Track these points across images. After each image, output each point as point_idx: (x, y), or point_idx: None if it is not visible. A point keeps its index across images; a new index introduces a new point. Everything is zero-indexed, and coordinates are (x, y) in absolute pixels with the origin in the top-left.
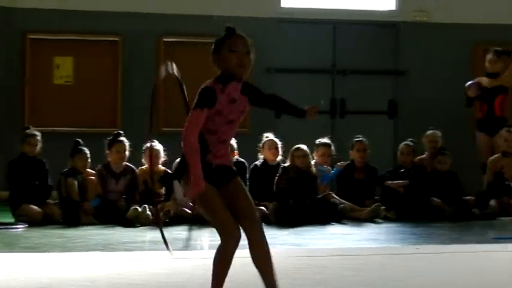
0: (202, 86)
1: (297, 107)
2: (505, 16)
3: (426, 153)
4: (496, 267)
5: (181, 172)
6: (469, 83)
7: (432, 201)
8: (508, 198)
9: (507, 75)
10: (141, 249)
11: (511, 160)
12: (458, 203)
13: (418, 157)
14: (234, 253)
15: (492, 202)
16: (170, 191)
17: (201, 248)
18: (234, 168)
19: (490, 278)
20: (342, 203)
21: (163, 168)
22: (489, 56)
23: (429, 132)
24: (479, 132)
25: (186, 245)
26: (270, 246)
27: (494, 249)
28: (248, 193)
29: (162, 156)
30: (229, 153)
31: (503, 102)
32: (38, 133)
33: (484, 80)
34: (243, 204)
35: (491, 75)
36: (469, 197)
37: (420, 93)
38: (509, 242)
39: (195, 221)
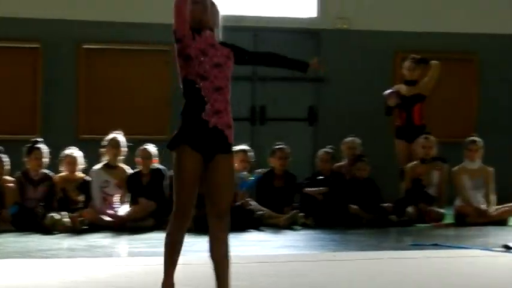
0: None
1: (298, 60)
2: (425, 24)
3: (345, 160)
4: (413, 273)
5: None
6: (387, 91)
7: (350, 208)
8: (425, 205)
9: (425, 83)
10: (59, 256)
11: (429, 167)
12: (376, 210)
13: (337, 164)
14: (179, 241)
15: (410, 209)
16: (88, 198)
17: (119, 256)
18: (231, 141)
19: (407, 284)
20: (260, 210)
21: (82, 175)
22: (407, 64)
23: (348, 139)
24: (398, 139)
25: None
26: (188, 254)
27: (411, 256)
28: (231, 183)
29: (81, 163)
30: (228, 113)
31: (422, 109)
32: None
33: (403, 88)
34: (217, 199)
35: (409, 83)
36: (387, 204)
37: (340, 101)
38: (426, 249)
39: (115, 228)
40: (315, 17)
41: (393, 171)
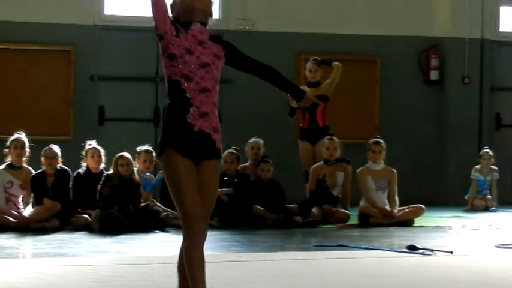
0: None
1: (296, 86)
2: (328, 26)
3: (249, 161)
4: (317, 273)
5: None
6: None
7: (255, 209)
8: (329, 206)
9: (327, 84)
10: None
11: (333, 168)
12: (280, 210)
13: (241, 165)
14: (200, 253)
15: (314, 210)
16: None
17: (23, 257)
18: (218, 145)
19: (312, 285)
20: (165, 211)
21: None
22: (309, 65)
23: (252, 140)
24: (301, 141)
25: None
26: (91, 256)
27: (316, 257)
28: (217, 189)
29: None
30: (215, 116)
31: (324, 111)
32: None
33: (305, 90)
34: (205, 201)
35: (312, 85)
36: (291, 205)
37: (244, 102)
38: (331, 250)
39: (19, 229)
40: (218, 19)
41: (297, 173)
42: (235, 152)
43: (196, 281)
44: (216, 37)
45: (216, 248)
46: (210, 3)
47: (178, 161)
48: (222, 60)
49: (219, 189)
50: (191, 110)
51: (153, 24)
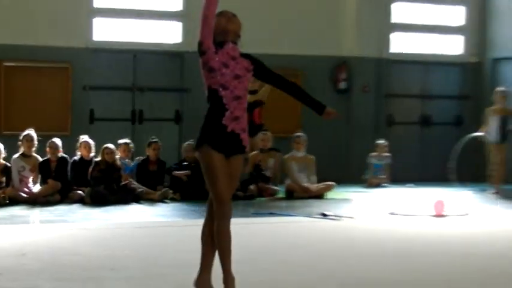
0: None
1: (317, 101)
2: (265, 47)
3: None
4: (254, 234)
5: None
6: None
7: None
8: (263, 184)
9: (263, 92)
10: None
11: (266, 155)
12: None
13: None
14: (228, 227)
15: (252, 187)
16: (9, 179)
17: (33, 223)
18: (245, 143)
19: (253, 243)
20: (140, 188)
21: (4, 162)
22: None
23: None
24: None
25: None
26: (84, 222)
27: (253, 222)
28: (239, 177)
29: (3, 153)
30: (244, 119)
31: (260, 112)
32: None
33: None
34: (232, 186)
35: (251, 92)
36: None
37: (199, 105)
38: (265, 217)
39: (29, 202)
40: (180, 42)
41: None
42: (192, 143)
43: (225, 250)
44: (246, 54)
45: (177, 215)
46: (240, 26)
47: (213, 155)
48: (251, 72)
49: (180, 172)
50: (226, 114)
51: (144, 47)
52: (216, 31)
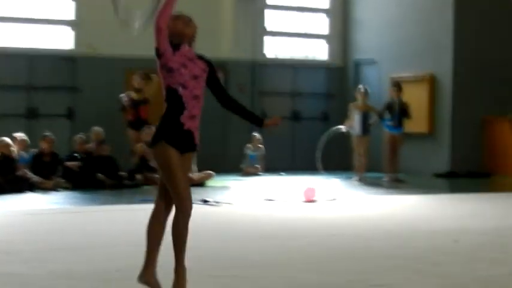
0: None
1: (256, 115)
2: (148, 50)
3: (93, 143)
4: (142, 220)
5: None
6: (122, 95)
7: (97, 176)
8: (148, 173)
9: (148, 90)
10: None
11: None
12: (115, 177)
13: (87, 145)
14: (188, 221)
15: (138, 176)
16: None
17: None
18: (197, 141)
19: (138, 228)
20: (34, 178)
21: None
22: (136, 77)
23: (95, 128)
24: (129, 129)
25: None
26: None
27: (140, 208)
28: (189, 172)
29: None
30: (199, 119)
31: (146, 109)
32: None
33: (133, 94)
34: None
35: (137, 91)
36: (123, 173)
37: (90, 103)
38: (151, 203)
39: None
40: (72, 48)
41: (127, 150)
42: (83, 136)
43: (182, 244)
44: (200, 56)
45: (69, 203)
46: (196, 30)
47: (170, 152)
48: (206, 72)
49: (72, 163)
50: (185, 112)
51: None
52: (173, 34)
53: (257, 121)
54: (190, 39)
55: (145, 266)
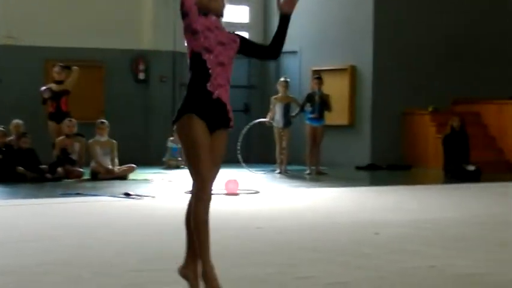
0: None
1: (280, 25)
2: (71, 41)
3: (13, 136)
4: (61, 214)
5: None
6: (43, 88)
7: (18, 169)
8: (70, 166)
9: (69, 82)
10: None
11: (72, 140)
12: (36, 170)
13: (8, 138)
14: (207, 213)
15: (60, 169)
16: None
17: None
18: (231, 115)
19: (59, 222)
20: None
21: None
22: (56, 69)
23: (14, 121)
24: (50, 121)
25: None
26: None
27: (61, 202)
28: (223, 155)
29: None
30: (228, 90)
31: (67, 100)
32: None
33: (54, 86)
34: (215, 166)
35: (58, 82)
36: (44, 166)
37: (11, 96)
38: (72, 197)
39: None
40: None
41: (48, 143)
42: (3, 129)
43: (203, 237)
44: (229, 32)
45: None
46: (224, 6)
47: (195, 126)
48: (237, 44)
49: None
50: (211, 79)
51: None
52: (199, 7)
53: (283, 22)
54: (218, 14)
55: (188, 260)
